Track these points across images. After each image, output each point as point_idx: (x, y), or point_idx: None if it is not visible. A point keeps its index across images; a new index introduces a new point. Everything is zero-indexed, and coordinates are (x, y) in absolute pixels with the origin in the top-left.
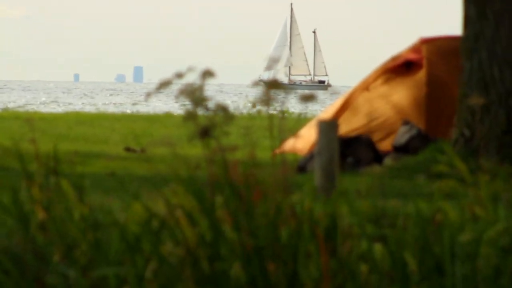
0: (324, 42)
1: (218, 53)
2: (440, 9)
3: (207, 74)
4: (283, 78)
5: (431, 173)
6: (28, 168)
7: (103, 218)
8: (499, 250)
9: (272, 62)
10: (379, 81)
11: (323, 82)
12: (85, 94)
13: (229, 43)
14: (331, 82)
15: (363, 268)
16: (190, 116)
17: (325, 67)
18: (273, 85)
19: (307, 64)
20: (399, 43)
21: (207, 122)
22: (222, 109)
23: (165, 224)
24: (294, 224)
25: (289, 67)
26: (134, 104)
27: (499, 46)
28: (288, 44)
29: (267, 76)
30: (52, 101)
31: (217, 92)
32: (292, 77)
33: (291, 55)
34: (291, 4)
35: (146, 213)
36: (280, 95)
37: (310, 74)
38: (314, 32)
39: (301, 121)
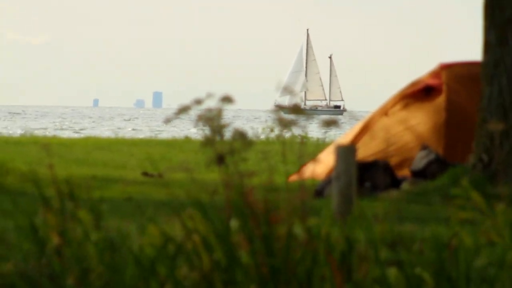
0: (340, 67)
1: (236, 79)
2: (459, 35)
3: (226, 100)
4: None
5: (449, 198)
6: (45, 193)
7: (120, 243)
8: None
9: (288, 88)
10: (398, 106)
11: (338, 107)
12: (104, 119)
13: (246, 69)
14: (346, 107)
15: None
16: (208, 143)
17: (340, 92)
18: (293, 110)
19: (323, 89)
20: (416, 68)
21: (225, 148)
22: (240, 135)
23: (181, 248)
24: (309, 248)
25: (305, 92)
26: (152, 129)
27: None
28: (304, 69)
29: (283, 101)
30: (71, 126)
31: (234, 118)
32: (308, 102)
33: (306, 81)
34: (307, 29)
35: (162, 238)
36: (300, 120)
37: (325, 99)
38: (330, 57)
39: (320, 146)
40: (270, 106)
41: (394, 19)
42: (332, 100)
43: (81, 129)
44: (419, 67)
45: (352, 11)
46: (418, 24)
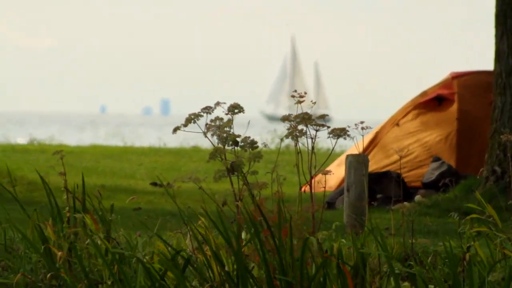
0: (326, 74)
1: (232, 84)
2: (456, 44)
3: (235, 108)
4: (284, 111)
5: (462, 211)
6: (54, 203)
7: (129, 254)
8: None
9: (273, 95)
10: (409, 116)
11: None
12: (111, 126)
13: (237, 76)
14: (331, 115)
15: None
16: (216, 154)
17: (326, 99)
18: (303, 119)
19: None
20: (401, 76)
21: (234, 160)
22: (251, 145)
23: (191, 260)
24: (322, 261)
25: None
26: (160, 138)
27: None
28: (289, 76)
29: (269, 109)
30: (79, 134)
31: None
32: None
33: (292, 88)
34: (293, 36)
35: (171, 251)
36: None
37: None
38: (315, 64)
39: (330, 156)
40: (257, 113)
41: (385, 26)
42: (317, 108)
43: (96, 136)
44: (411, 77)
45: (341, 17)
46: (410, 33)
